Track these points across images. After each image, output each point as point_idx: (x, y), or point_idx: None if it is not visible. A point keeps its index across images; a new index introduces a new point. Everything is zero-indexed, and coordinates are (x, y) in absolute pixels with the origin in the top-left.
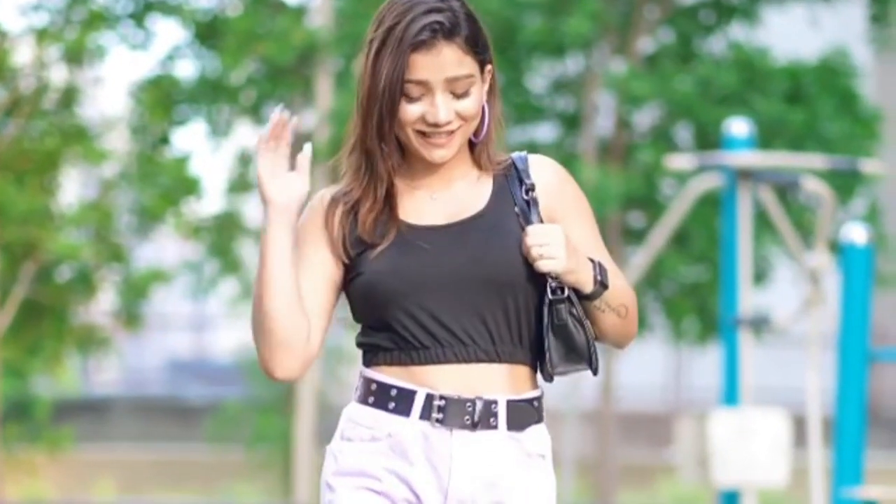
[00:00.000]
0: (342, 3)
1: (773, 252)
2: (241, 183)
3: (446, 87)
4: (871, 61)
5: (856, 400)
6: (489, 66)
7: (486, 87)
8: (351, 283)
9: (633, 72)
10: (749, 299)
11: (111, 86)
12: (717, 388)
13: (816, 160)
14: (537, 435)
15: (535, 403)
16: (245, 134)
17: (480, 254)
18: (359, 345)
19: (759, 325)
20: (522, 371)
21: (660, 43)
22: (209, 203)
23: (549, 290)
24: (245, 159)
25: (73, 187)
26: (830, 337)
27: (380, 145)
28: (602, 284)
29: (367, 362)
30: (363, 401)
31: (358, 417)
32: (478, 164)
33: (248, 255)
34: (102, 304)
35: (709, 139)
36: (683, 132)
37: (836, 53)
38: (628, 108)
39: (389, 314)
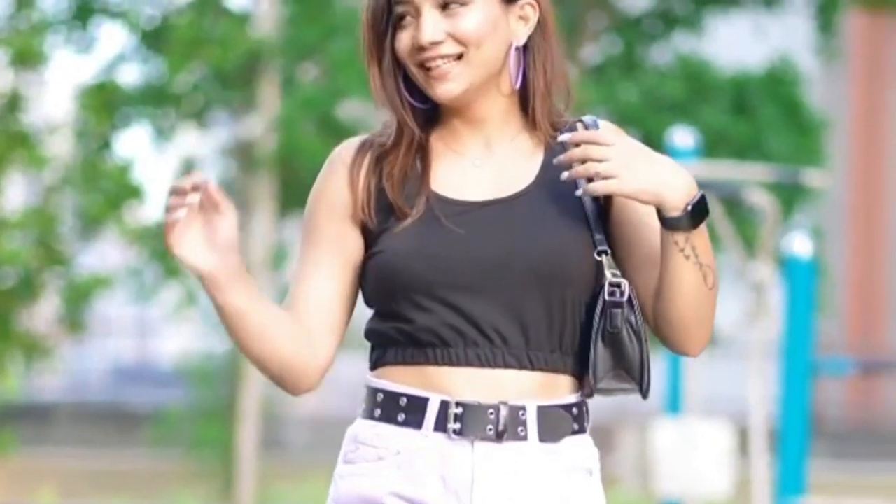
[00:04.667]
0: (287, 8)
1: (718, 263)
2: None
3: (434, 3)
4: (816, 70)
5: (799, 411)
6: None
7: (526, 21)
8: (367, 261)
9: (579, 80)
10: None
11: (55, 90)
12: (661, 398)
13: (761, 171)
14: (579, 446)
15: (574, 410)
16: (190, 139)
17: (524, 240)
18: (368, 334)
19: None
20: (559, 379)
21: (605, 52)
22: (153, 208)
23: (605, 289)
24: (189, 165)
25: (17, 192)
26: (774, 348)
27: (397, 89)
28: (696, 212)
29: (374, 363)
30: (369, 415)
31: (363, 436)
32: (533, 124)
33: None
34: (45, 310)
35: (654, 149)
36: None
37: (781, 63)
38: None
39: (408, 304)
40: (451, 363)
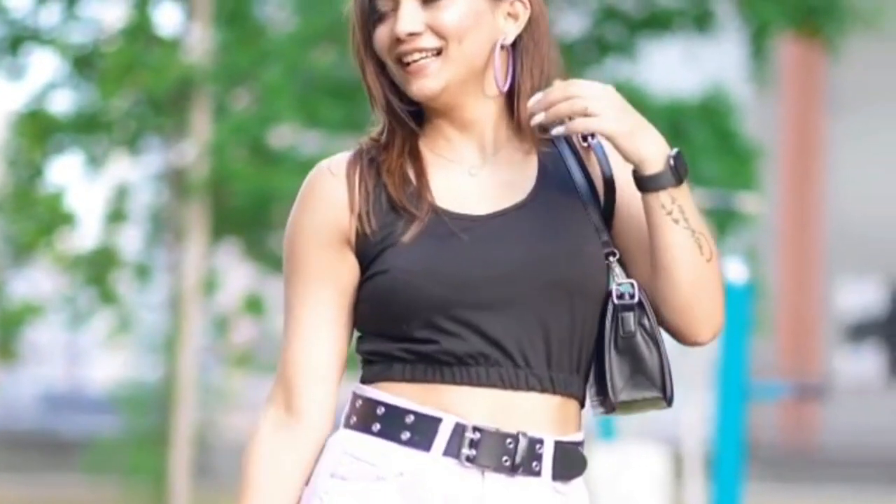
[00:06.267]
0: (219, 34)
1: None
2: (117, 215)
3: None
4: (750, 95)
5: (734, 435)
6: None
7: (516, 19)
8: (368, 282)
9: None
10: None
11: None
12: (594, 423)
13: (695, 196)
14: (582, 490)
15: (581, 448)
16: (122, 166)
17: (542, 253)
18: (363, 353)
19: None
20: (572, 407)
21: None
22: (85, 236)
23: (613, 293)
24: (122, 192)
25: None
26: (709, 372)
27: (382, 88)
28: (676, 170)
29: (372, 377)
30: (364, 428)
31: (357, 449)
32: (519, 128)
33: (123, 288)
34: None
35: None
36: None
37: (714, 91)
38: None
39: (421, 326)
40: (471, 383)
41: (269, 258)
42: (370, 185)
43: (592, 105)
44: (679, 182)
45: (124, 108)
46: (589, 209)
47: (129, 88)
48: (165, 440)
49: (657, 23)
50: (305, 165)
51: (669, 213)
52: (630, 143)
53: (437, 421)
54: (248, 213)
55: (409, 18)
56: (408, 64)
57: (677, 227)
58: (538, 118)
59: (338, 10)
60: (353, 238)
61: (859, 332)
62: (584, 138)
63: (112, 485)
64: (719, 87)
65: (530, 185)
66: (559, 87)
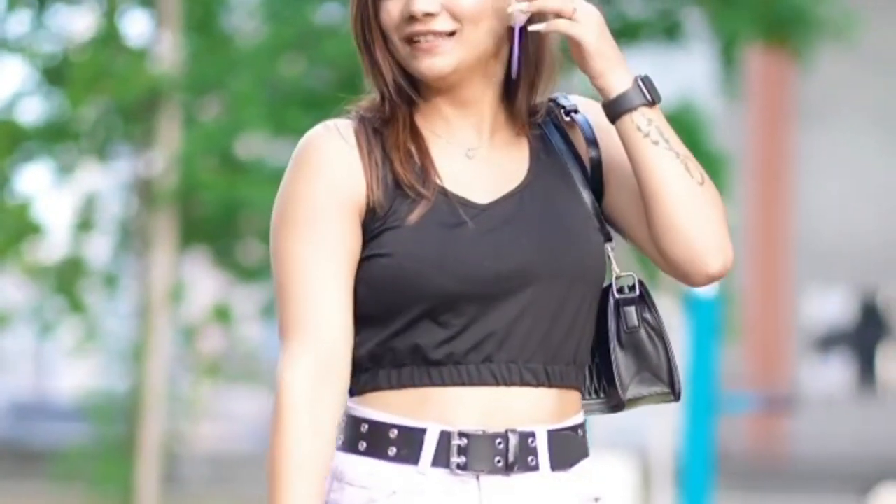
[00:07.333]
0: (188, 43)
1: None
2: (86, 224)
3: None
4: (719, 108)
5: (702, 446)
6: None
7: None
8: (368, 262)
9: None
10: None
11: None
12: None
13: None
14: (588, 473)
15: (580, 431)
16: (91, 175)
17: (549, 242)
18: (359, 356)
19: None
20: (569, 396)
21: None
22: (53, 245)
23: (614, 286)
24: (90, 201)
25: None
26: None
27: (390, 64)
28: (647, 89)
29: (361, 388)
30: (352, 448)
31: (349, 474)
32: (512, 113)
33: (91, 297)
34: None
35: None
36: None
37: (683, 106)
38: None
39: (421, 317)
40: (462, 383)
41: (238, 267)
42: (378, 158)
43: (580, 11)
44: (652, 103)
45: (93, 117)
46: (582, 190)
47: (98, 97)
48: (133, 450)
49: (626, 34)
50: (274, 175)
51: (647, 135)
52: (601, 62)
53: (422, 432)
54: (217, 222)
55: None
56: (417, 41)
57: (658, 148)
58: (521, 5)
59: (307, 20)
60: (363, 209)
61: (828, 342)
62: (567, 112)
63: (80, 494)
64: (689, 101)
65: (524, 168)
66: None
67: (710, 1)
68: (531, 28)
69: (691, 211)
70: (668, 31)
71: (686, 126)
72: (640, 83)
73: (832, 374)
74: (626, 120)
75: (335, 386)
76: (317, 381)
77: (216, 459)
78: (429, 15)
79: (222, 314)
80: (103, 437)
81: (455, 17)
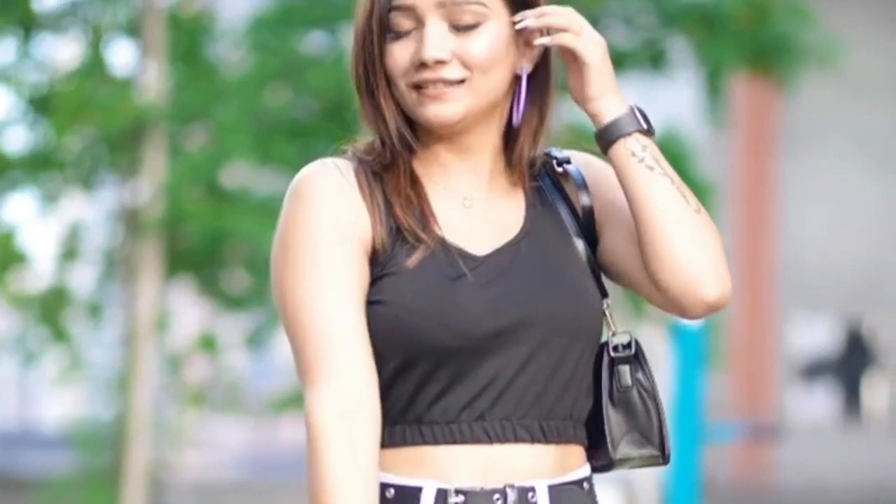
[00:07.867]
0: (173, 73)
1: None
2: (71, 253)
3: (441, 15)
4: (704, 136)
5: (688, 476)
6: None
7: (533, 48)
8: (367, 308)
9: None
10: None
11: None
12: None
13: None
14: None
15: (586, 485)
16: (76, 205)
17: (547, 295)
18: None
19: None
20: (570, 451)
21: None
22: (38, 274)
23: (609, 345)
24: (75, 230)
25: None
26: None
27: (395, 110)
28: (641, 117)
29: None
30: None
31: None
32: (510, 162)
33: (76, 326)
34: None
35: None
36: None
37: (668, 136)
38: None
39: (412, 371)
40: (454, 441)
41: (223, 296)
42: (380, 200)
43: (586, 31)
44: (647, 131)
45: (78, 146)
46: (577, 241)
47: (83, 126)
48: (119, 478)
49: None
50: (260, 205)
51: (642, 161)
52: (601, 82)
53: (418, 490)
54: (202, 251)
55: (438, 44)
56: (424, 88)
57: (653, 174)
58: (528, 22)
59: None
60: (369, 248)
61: (813, 371)
62: (560, 163)
63: None
64: (675, 131)
65: (521, 218)
66: (559, 8)
67: (694, 30)
68: (536, 42)
69: (688, 238)
70: (653, 59)
71: (672, 155)
72: (636, 110)
73: (817, 403)
74: (620, 145)
75: (368, 414)
76: (349, 413)
77: (202, 488)
78: (440, 62)
79: (208, 343)
80: (89, 465)
81: (465, 65)
